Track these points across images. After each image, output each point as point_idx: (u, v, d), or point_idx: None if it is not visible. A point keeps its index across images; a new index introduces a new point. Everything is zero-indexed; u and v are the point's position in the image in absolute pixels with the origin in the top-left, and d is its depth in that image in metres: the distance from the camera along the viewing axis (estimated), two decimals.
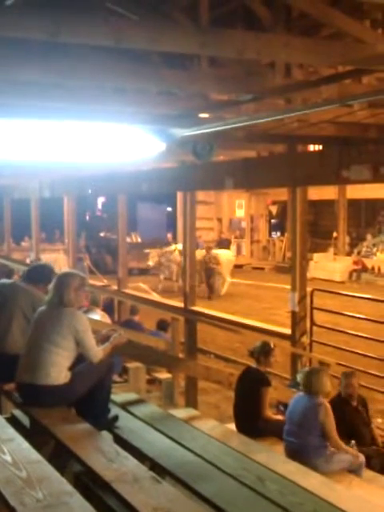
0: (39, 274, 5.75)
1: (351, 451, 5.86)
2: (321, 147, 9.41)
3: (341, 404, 6.38)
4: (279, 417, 6.55)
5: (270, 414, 6.52)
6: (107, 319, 10.01)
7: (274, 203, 27.83)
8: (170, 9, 5.87)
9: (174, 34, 4.19)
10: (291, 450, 5.76)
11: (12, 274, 13.10)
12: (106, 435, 4.72)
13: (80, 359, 4.94)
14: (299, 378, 6.07)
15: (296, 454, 5.65)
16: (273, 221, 28.95)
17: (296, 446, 5.71)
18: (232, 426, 6.47)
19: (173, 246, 20.89)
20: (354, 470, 5.80)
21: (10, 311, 5.54)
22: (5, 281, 6.05)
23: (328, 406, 5.75)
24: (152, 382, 9.36)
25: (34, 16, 3.79)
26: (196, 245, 20.65)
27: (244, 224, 27.58)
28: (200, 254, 17.68)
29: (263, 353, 6.58)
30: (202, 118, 7.06)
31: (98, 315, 9.06)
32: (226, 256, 20.24)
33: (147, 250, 21.50)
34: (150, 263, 20.99)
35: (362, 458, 5.88)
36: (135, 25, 4.32)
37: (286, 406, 6.72)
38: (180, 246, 19.41)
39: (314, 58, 4.72)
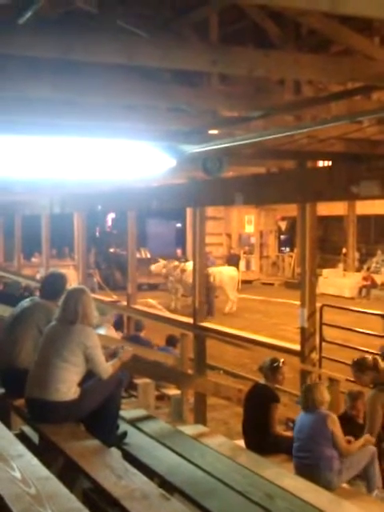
0: (53, 287, 5.76)
1: (361, 443, 5.85)
2: (330, 163, 9.42)
3: (347, 421, 6.34)
4: (289, 433, 6.52)
5: (280, 430, 6.49)
6: (113, 332, 10.01)
7: (283, 219, 27.85)
8: (180, 26, 5.91)
9: (185, 52, 4.22)
10: (302, 465, 5.74)
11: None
12: (114, 452, 4.71)
13: (89, 375, 4.94)
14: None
15: (307, 468, 5.62)
16: (282, 236, 28.97)
17: (307, 461, 5.69)
18: (241, 443, 6.44)
19: (177, 263, 20.54)
20: (368, 466, 5.79)
21: (24, 326, 5.55)
22: (33, 297, 6.04)
23: (333, 415, 5.77)
24: (161, 398, 9.34)
25: (45, 34, 3.82)
26: (212, 262, 20.63)
27: (253, 240, 27.58)
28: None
29: (271, 369, 6.56)
30: (212, 135, 7.09)
31: (103, 329, 9.08)
32: (228, 273, 19.49)
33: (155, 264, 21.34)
34: (152, 268, 20.86)
35: (372, 449, 5.86)
36: (146, 42, 4.36)
37: (295, 422, 6.68)
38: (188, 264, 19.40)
39: (323, 74, 4.74)
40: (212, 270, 19.06)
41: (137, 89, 5.22)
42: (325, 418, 5.70)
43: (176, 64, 4.29)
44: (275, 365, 6.59)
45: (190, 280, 17.62)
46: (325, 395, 5.88)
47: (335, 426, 5.69)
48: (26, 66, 4.83)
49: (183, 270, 19.35)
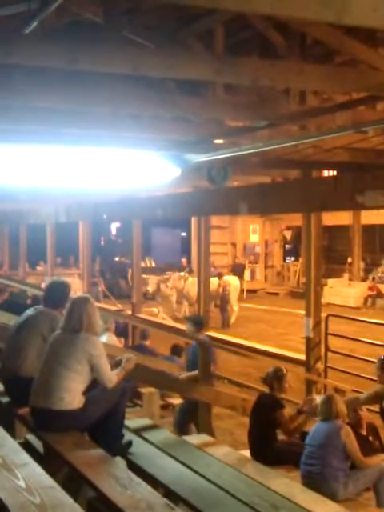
0: (56, 296, 5.75)
1: (381, 459, 5.83)
2: (335, 173, 9.43)
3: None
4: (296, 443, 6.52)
5: (294, 427, 6.46)
6: (114, 339, 10.00)
7: (288, 228, 27.84)
8: (185, 37, 5.94)
9: (190, 62, 4.25)
10: (308, 473, 5.71)
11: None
12: (119, 461, 4.69)
13: (94, 384, 4.93)
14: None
15: (313, 477, 5.60)
16: (287, 246, 28.93)
17: (314, 469, 5.66)
18: (246, 453, 6.41)
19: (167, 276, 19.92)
20: (378, 481, 5.77)
21: (28, 334, 5.55)
22: (37, 306, 6.03)
23: (349, 428, 5.74)
24: (166, 407, 9.31)
25: (52, 44, 3.85)
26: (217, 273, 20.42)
27: (258, 249, 27.57)
28: (214, 281, 17.03)
29: (276, 378, 6.55)
30: (217, 144, 7.11)
31: (104, 337, 9.06)
32: (233, 283, 19.09)
33: (145, 276, 19.60)
34: (149, 289, 19.67)
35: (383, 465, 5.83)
36: (152, 53, 4.38)
37: (301, 433, 6.66)
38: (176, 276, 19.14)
39: (328, 84, 4.76)
40: (224, 279, 18.90)
41: (142, 98, 5.24)
42: (339, 429, 5.68)
43: (181, 74, 4.31)
44: (279, 374, 6.58)
45: (189, 291, 17.66)
46: (343, 408, 5.86)
47: (349, 438, 5.66)
48: (32, 75, 4.86)
49: (185, 279, 19.17)
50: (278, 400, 6.50)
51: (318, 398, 6.46)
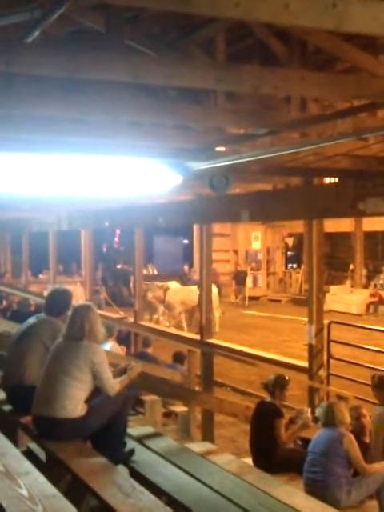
0: (58, 304, 5.76)
1: (380, 468, 5.81)
2: (336, 180, 9.43)
3: None
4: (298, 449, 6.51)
5: (287, 437, 6.44)
6: (117, 347, 9.99)
7: (290, 235, 27.85)
8: (186, 45, 5.95)
9: (191, 70, 4.25)
10: (311, 481, 5.70)
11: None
12: (122, 469, 4.69)
13: (96, 392, 4.93)
14: (318, 412, 6.04)
15: (316, 484, 5.59)
16: (289, 253, 28.94)
17: (317, 477, 5.65)
18: (249, 461, 6.40)
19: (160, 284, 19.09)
20: (381, 489, 5.75)
21: (29, 342, 5.55)
22: (39, 314, 6.01)
23: (351, 435, 5.73)
24: (168, 415, 9.30)
25: (53, 53, 3.86)
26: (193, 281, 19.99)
27: (260, 256, 27.58)
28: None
29: (279, 386, 6.55)
30: (219, 152, 7.11)
31: (108, 345, 9.05)
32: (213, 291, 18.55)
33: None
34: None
35: None
36: (153, 61, 4.39)
37: (303, 440, 6.65)
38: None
39: (329, 92, 4.76)
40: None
41: (143, 106, 5.25)
42: (341, 436, 5.67)
43: (182, 82, 4.32)
44: (281, 382, 6.58)
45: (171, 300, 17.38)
46: (345, 416, 5.83)
47: (351, 446, 5.64)
48: (33, 84, 4.88)
49: (166, 290, 18.59)
50: (277, 408, 6.50)
51: (309, 411, 6.48)
